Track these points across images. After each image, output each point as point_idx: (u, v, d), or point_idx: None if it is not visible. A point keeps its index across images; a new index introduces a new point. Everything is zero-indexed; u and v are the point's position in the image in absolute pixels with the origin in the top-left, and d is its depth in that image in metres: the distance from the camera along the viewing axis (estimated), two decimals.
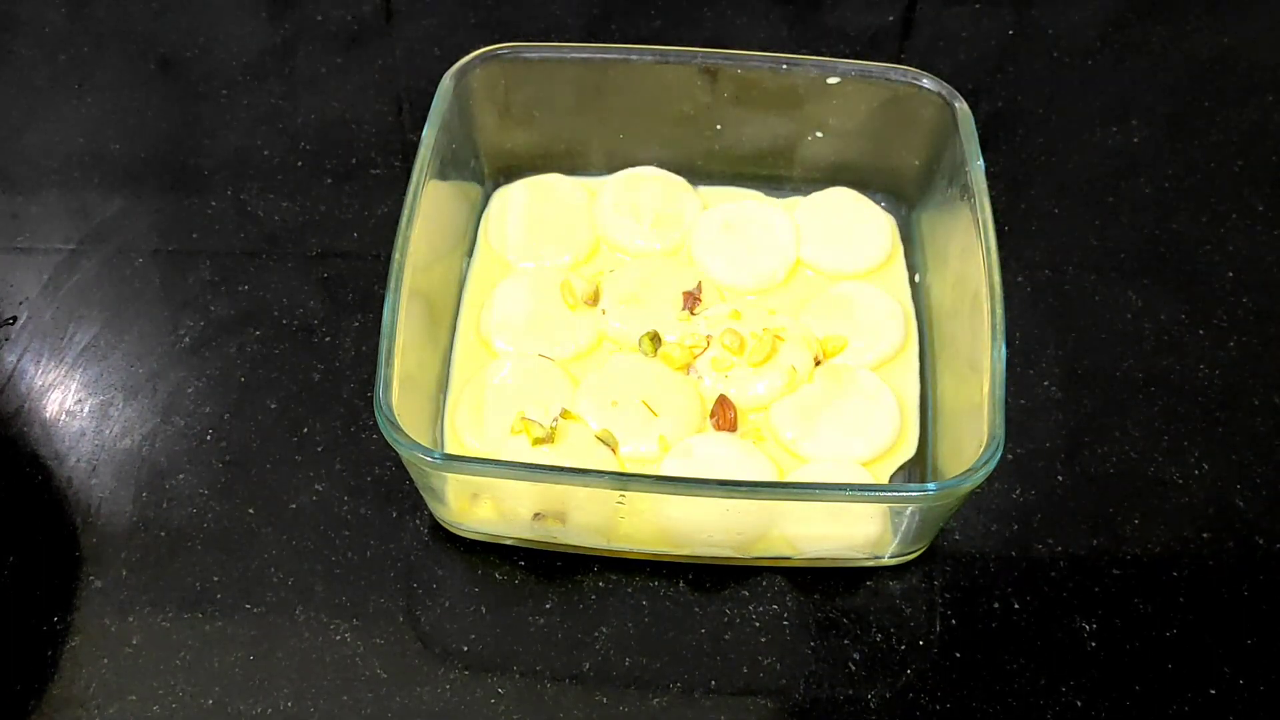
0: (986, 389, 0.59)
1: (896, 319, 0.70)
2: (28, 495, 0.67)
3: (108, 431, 0.70)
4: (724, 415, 0.66)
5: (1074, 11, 0.92)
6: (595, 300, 0.71)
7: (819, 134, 0.75)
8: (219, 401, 0.71)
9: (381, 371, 0.59)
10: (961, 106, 0.69)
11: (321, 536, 0.66)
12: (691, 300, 0.70)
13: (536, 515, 0.62)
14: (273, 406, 0.71)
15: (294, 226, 0.79)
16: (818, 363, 0.68)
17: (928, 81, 0.70)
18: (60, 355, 0.73)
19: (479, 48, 0.72)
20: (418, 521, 0.67)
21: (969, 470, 0.57)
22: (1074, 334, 0.74)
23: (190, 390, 0.71)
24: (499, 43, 0.72)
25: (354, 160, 0.82)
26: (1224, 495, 0.68)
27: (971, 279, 0.64)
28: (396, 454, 0.60)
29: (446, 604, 0.64)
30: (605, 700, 0.61)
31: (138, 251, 0.78)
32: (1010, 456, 0.68)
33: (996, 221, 0.64)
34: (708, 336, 0.69)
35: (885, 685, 0.62)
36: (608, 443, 0.65)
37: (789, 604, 0.64)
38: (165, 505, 0.67)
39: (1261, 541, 0.67)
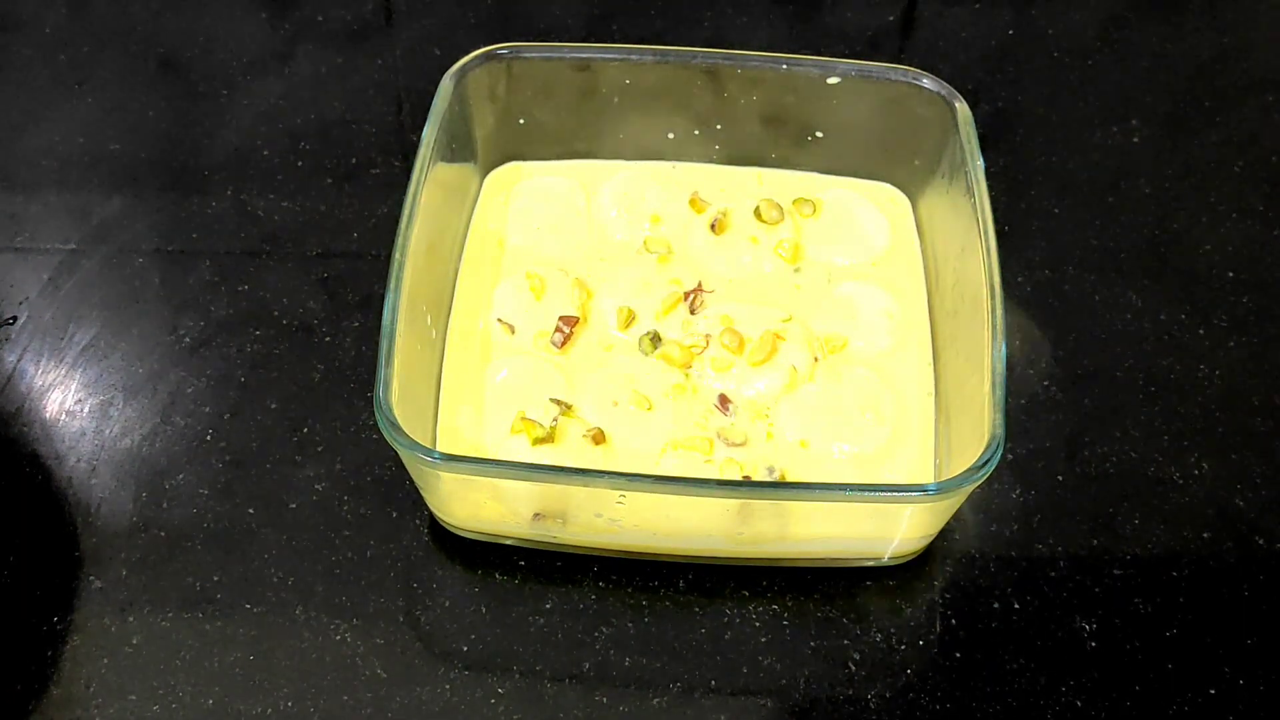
0: (986, 389, 0.59)
1: (896, 318, 0.70)
2: (28, 495, 0.67)
3: (108, 431, 0.70)
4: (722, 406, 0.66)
5: (1074, 11, 0.92)
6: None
7: (819, 134, 0.74)
8: (219, 401, 0.71)
9: (381, 371, 0.59)
10: (961, 106, 0.69)
11: (321, 536, 0.66)
12: (692, 300, 0.70)
13: (536, 515, 0.62)
14: (273, 406, 0.71)
15: (294, 226, 0.79)
16: (818, 361, 0.69)
17: (928, 81, 0.70)
18: (60, 355, 0.73)
19: (479, 48, 0.71)
20: (418, 521, 0.67)
21: (969, 470, 0.57)
22: (1074, 334, 0.74)
23: (190, 390, 0.71)
24: (499, 43, 0.72)
25: (354, 160, 0.82)
26: (1224, 495, 0.68)
27: (971, 279, 0.64)
28: (396, 454, 0.60)
29: (446, 604, 0.64)
30: (605, 700, 0.61)
31: (138, 251, 0.78)
32: (1010, 456, 0.68)
33: (996, 221, 0.64)
34: (707, 336, 0.69)
35: (885, 685, 0.62)
36: (606, 442, 0.65)
37: (789, 604, 0.64)
38: (165, 505, 0.67)
39: (1261, 541, 0.67)
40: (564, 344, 0.69)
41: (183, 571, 0.65)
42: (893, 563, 0.65)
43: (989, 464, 0.56)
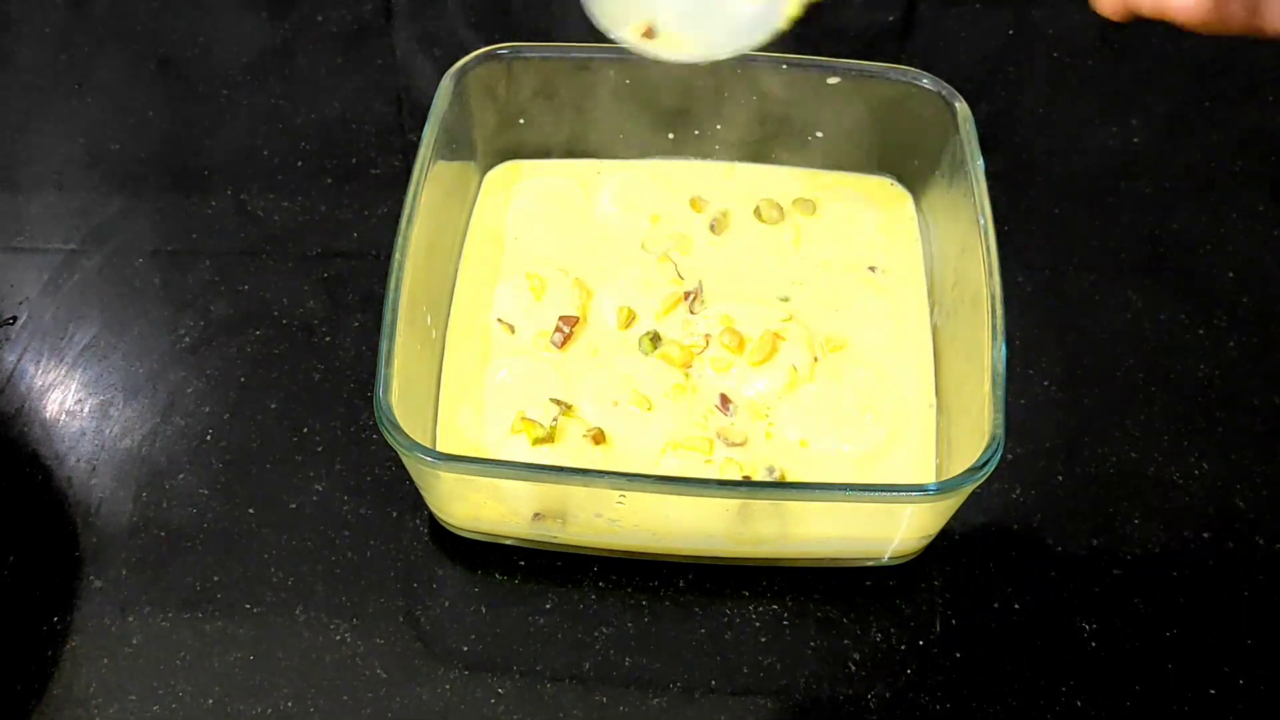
0: (986, 389, 0.59)
1: (896, 318, 0.70)
2: (28, 495, 0.67)
3: (108, 431, 0.70)
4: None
5: (1074, 11, 0.92)
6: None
7: (819, 134, 0.74)
8: (219, 401, 0.71)
9: (381, 371, 0.59)
10: (961, 106, 0.69)
11: (321, 536, 0.66)
12: (692, 300, 0.70)
13: (536, 515, 0.62)
14: (273, 406, 0.71)
15: (294, 226, 0.79)
16: (818, 361, 0.69)
17: (928, 81, 0.70)
18: (60, 355, 0.73)
19: (479, 48, 0.72)
20: (418, 521, 0.67)
21: (969, 470, 0.57)
22: (1074, 334, 0.74)
23: (190, 390, 0.71)
24: (499, 43, 0.72)
25: (354, 160, 0.82)
26: (1224, 495, 0.68)
27: (972, 279, 0.64)
28: (396, 454, 0.60)
29: (446, 604, 0.64)
30: (605, 700, 0.61)
31: (138, 251, 0.78)
32: (1010, 456, 0.68)
33: (996, 221, 0.64)
34: (707, 336, 0.69)
35: (885, 685, 0.62)
36: (606, 442, 0.65)
37: (789, 604, 0.64)
38: (165, 505, 0.67)
39: (1261, 541, 0.67)
40: (564, 344, 0.69)
41: (183, 571, 0.65)
42: (893, 563, 0.65)
43: (989, 464, 0.57)
